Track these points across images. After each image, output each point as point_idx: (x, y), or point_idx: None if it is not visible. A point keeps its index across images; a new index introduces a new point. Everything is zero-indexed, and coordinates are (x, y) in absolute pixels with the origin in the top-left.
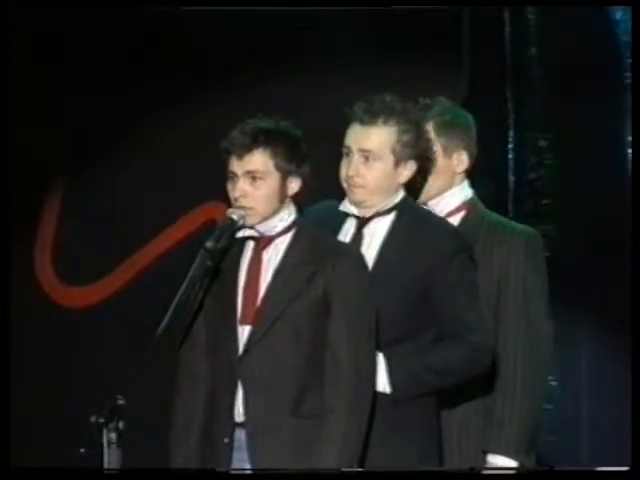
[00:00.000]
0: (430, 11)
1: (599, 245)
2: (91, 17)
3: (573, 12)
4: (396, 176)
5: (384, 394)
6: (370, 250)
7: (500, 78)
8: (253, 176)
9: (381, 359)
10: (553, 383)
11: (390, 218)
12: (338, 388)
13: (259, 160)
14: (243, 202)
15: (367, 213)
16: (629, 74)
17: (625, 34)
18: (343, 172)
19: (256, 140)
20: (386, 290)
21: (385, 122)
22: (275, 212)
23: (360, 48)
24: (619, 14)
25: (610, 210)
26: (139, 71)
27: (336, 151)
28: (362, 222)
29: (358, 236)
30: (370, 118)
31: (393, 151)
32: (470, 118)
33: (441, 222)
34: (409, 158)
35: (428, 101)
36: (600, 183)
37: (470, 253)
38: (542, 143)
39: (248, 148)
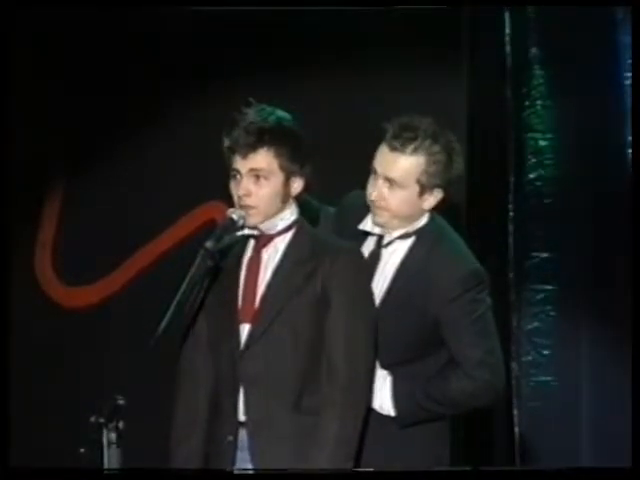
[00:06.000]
0: (430, 11)
1: (599, 245)
2: (91, 17)
3: (573, 12)
4: (421, 203)
5: (389, 417)
6: (385, 271)
7: (500, 78)
8: (257, 175)
9: (388, 383)
10: (553, 383)
11: (409, 242)
12: (332, 386)
13: (263, 159)
14: (247, 201)
15: (389, 235)
16: (629, 74)
17: (625, 34)
18: (368, 192)
19: (261, 139)
20: (397, 315)
21: (414, 152)
22: (278, 212)
23: (360, 48)
24: (619, 14)
25: (610, 210)
26: (139, 71)
27: (335, 151)
28: (383, 242)
29: (377, 254)
30: (399, 145)
31: (418, 181)
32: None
33: (456, 254)
34: (435, 187)
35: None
36: (600, 183)
37: (482, 287)
38: (542, 143)
39: (252, 147)
